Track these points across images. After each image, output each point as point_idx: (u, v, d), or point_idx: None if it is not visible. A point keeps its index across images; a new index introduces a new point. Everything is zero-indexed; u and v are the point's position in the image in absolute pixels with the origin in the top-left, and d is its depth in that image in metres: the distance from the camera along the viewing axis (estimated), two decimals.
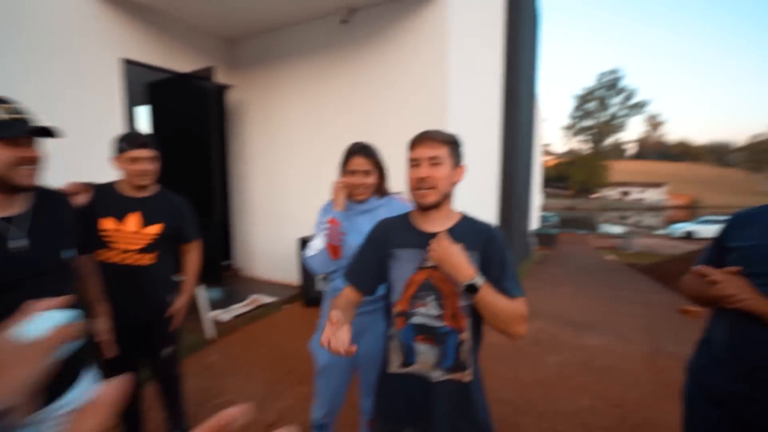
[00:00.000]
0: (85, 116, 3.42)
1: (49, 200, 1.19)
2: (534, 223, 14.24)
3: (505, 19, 6.21)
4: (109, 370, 1.74)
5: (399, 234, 1.17)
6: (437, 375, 1.09)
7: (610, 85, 70.97)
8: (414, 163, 1.10)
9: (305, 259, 1.61)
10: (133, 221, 1.65)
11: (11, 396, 0.46)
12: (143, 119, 6.20)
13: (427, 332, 1.10)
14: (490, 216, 6.01)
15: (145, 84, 4.53)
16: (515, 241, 7.49)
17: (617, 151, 78.42)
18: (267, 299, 4.27)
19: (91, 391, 1.17)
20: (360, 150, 1.58)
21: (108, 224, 1.62)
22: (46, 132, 1.07)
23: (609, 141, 71.12)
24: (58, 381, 1.06)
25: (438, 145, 1.08)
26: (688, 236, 21.12)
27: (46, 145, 1.11)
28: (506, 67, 6.31)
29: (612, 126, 70.52)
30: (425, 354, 1.10)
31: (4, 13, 2.93)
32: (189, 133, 4.25)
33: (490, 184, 6.07)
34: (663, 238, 22.13)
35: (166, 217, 1.72)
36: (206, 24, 4.47)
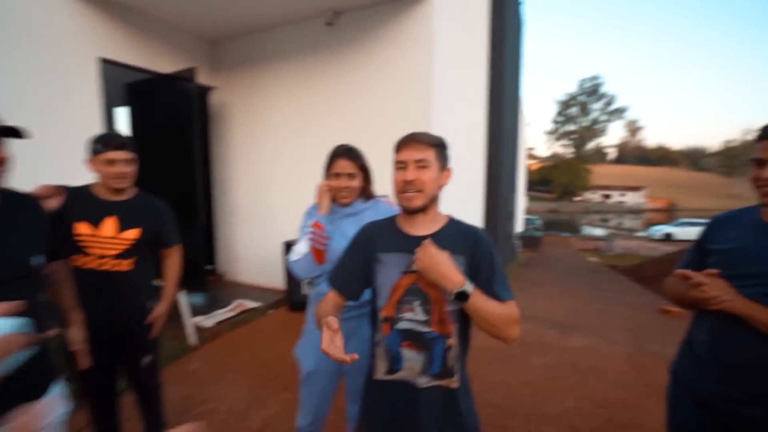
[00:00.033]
0: (61, 116, 3.32)
1: (18, 204, 1.13)
2: (519, 226, 14.42)
3: (490, 24, 6.29)
4: (83, 382, 1.68)
5: (384, 238, 1.15)
6: (424, 381, 1.07)
7: (591, 91, 72.74)
8: (400, 165, 1.08)
9: (289, 264, 1.58)
10: (109, 226, 1.59)
11: None
12: (123, 120, 6.05)
13: (413, 338, 1.08)
14: (476, 219, 6.05)
15: (125, 84, 4.42)
16: (501, 244, 7.57)
17: (598, 155, 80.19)
18: (251, 304, 4.19)
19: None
20: (344, 152, 1.56)
21: (83, 229, 1.56)
22: (13, 132, 1.02)
23: (590, 145, 72.75)
24: (25, 392, 1.00)
25: (425, 148, 1.07)
26: (667, 238, 21.69)
27: (12, 145, 1.06)
28: (491, 71, 6.39)
29: (593, 131, 72.19)
30: (412, 360, 1.08)
31: None
32: (171, 134, 4.16)
33: (476, 187, 6.11)
34: (643, 240, 22.69)
35: (145, 222, 1.67)
36: (188, 24, 4.39)
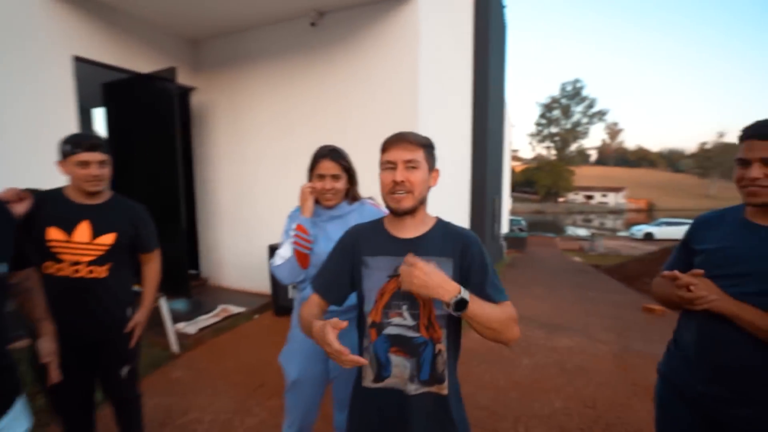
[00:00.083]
0: (33, 117, 3.19)
1: None
2: (504, 226, 14.56)
3: (474, 25, 6.34)
4: (56, 395, 1.59)
5: (371, 241, 1.12)
6: (413, 388, 1.04)
7: (573, 94, 74.21)
8: (389, 165, 1.04)
9: (272, 268, 1.53)
10: (82, 231, 1.52)
11: None
12: (100, 121, 5.88)
13: (401, 343, 1.04)
14: (463, 220, 6.06)
15: (102, 84, 4.29)
16: (488, 246, 7.61)
17: (581, 157, 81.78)
18: (236, 309, 4.10)
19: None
20: (328, 153, 1.52)
21: (54, 234, 1.48)
22: None
23: (573, 147, 74.19)
24: None
25: (414, 148, 1.04)
26: (648, 237, 22.20)
27: None
28: (476, 72, 6.44)
29: (575, 133, 73.64)
30: (400, 367, 1.04)
31: None
32: (150, 135, 4.05)
33: (462, 188, 6.13)
34: (625, 239, 23.18)
35: (120, 226, 1.60)
36: (167, 23, 4.29)
